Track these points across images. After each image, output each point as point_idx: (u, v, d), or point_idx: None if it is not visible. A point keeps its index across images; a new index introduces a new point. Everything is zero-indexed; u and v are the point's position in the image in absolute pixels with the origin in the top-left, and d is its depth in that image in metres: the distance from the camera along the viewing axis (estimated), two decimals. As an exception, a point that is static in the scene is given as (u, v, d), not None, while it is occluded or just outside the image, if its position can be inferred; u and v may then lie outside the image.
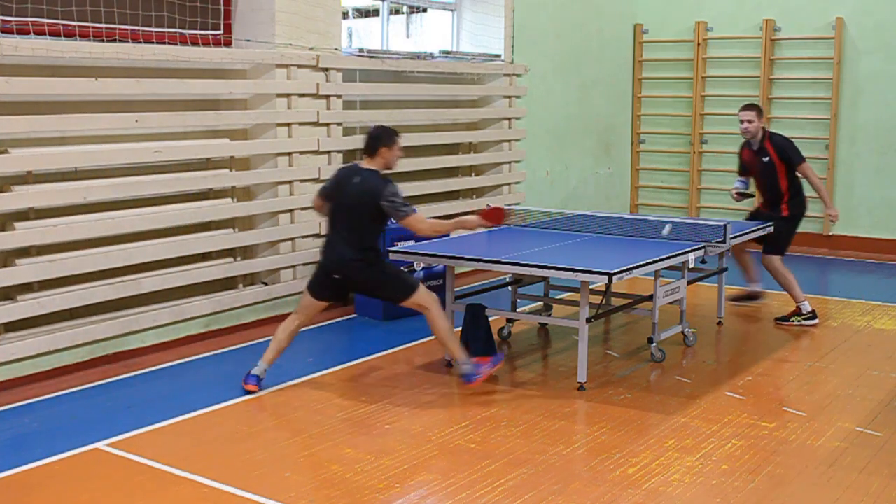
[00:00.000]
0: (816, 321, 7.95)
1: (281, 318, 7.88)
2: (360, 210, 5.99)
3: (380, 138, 6.10)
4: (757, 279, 8.56)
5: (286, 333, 6.21)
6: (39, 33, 6.39)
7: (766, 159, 8.00)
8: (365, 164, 6.12)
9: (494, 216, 6.28)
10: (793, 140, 8.17)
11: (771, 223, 8.09)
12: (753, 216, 8.38)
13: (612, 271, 5.85)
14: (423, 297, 6.11)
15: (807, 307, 7.97)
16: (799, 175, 8.08)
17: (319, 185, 6.44)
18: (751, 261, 8.46)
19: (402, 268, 8.03)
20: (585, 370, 6.21)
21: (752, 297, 8.60)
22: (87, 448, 5.18)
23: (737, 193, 8.25)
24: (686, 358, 7.01)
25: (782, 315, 8.08)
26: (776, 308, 8.36)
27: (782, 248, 8.07)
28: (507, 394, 6.21)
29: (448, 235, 6.50)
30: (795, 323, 7.95)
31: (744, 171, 8.31)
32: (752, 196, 8.51)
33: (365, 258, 6.02)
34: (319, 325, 7.81)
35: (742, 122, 8.06)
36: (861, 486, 4.77)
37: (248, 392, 6.05)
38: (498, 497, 4.59)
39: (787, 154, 7.96)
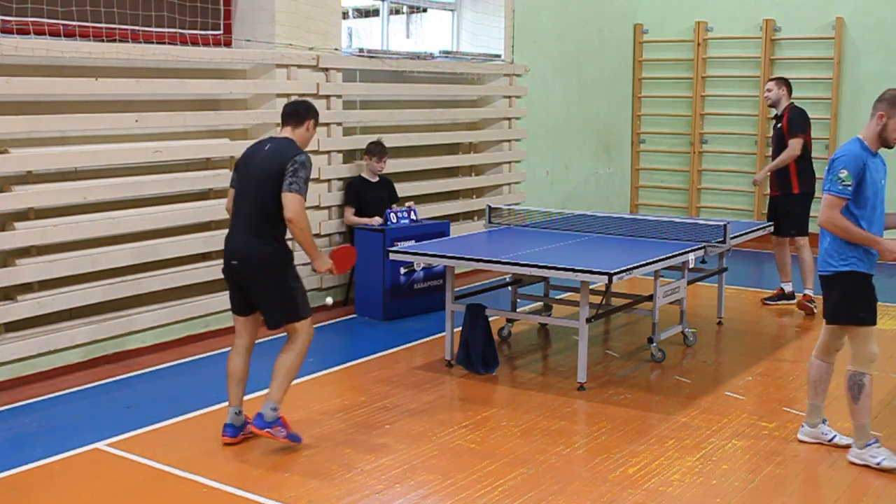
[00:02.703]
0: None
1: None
2: (264, 183, 5.04)
3: (309, 110, 5.30)
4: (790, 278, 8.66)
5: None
6: (39, 33, 6.39)
7: (778, 126, 8.33)
8: (282, 133, 5.26)
9: (341, 260, 5.40)
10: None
11: (771, 223, 8.20)
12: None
13: (612, 271, 5.85)
14: (309, 327, 5.22)
15: (788, 288, 8.59)
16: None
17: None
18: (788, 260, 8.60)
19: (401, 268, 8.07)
20: (585, 370, 6.21)
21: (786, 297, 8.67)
22: (87, 448, 5.18)
23: None
24: (686, 358, 7.01)
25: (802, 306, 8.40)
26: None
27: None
28: (507, 394, 6.21)
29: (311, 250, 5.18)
30: (781, 303, 8.55)
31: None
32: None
33: (273, 248, 5.09)
34: (320, 325, 7.80)
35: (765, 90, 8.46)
36: (861, 486, 4.77)
37: (227, 444, 5.25)
38: (498, 497, 4.59)
39: (791, 122, 8.23)
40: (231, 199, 5.30)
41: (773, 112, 8.53)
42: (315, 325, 7.41)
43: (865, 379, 4.93)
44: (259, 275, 5.10)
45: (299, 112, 5.29)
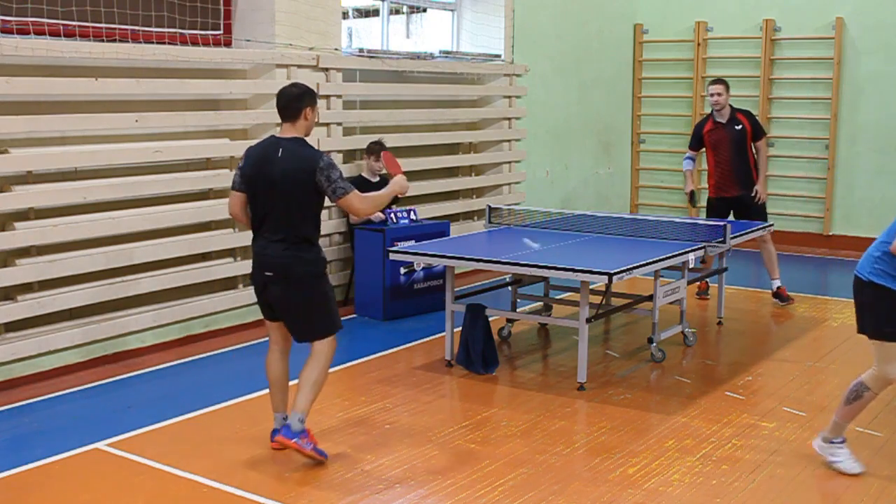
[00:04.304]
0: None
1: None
2: (295, 194, 4.85)
3: (302, 98, 4.93)
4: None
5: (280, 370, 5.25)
6: (39, 33, 6.39)
7: (738, 128, 8.43)
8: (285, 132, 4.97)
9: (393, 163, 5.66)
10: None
11: (771, 223, 8.23)
12: (719, 203, 8.58)
13: (612, 271, 5.85)
14: (334, 341, 5.12)
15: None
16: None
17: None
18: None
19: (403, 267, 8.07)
20: (585, 370, 6.21)
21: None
22: (87, 448, 5.18)
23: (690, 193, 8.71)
24: (686, 358, 7.01)
25: (780, 297, 8.55)
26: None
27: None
28: (507, 394, 6.21)
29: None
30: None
31: (700, 146, 8.70)
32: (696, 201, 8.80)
33: (313, 257, 4.95)
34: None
35: (712, 95, 8.49)
36: (861, 486, 4.77)
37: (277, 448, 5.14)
38: (498, 497, 4.59)
39: (758, 125, 8.56)
40: (239, 204, 4.99)
41: (715, 115, 8.54)
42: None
43: (867, 394, 4.81)
44: (299, 287, 4.88)
45: (291, 106, 4.91)
